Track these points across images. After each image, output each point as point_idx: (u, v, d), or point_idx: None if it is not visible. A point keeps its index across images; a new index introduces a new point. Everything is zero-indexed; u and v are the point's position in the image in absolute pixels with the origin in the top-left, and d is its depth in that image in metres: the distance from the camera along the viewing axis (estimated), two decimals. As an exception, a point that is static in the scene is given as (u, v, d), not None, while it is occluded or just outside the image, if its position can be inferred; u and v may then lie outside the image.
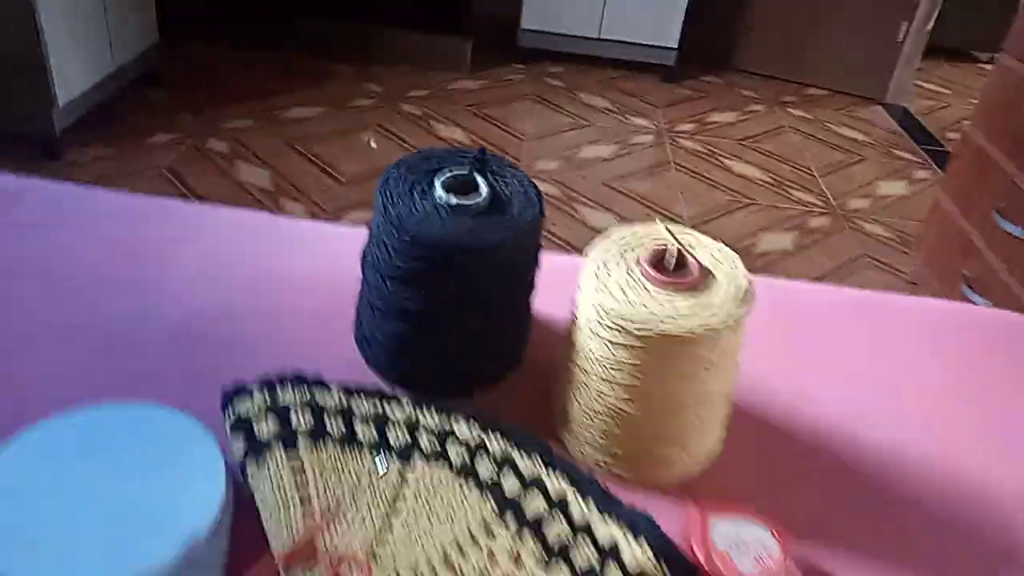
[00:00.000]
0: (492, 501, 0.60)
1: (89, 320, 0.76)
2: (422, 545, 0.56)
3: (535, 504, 0.60)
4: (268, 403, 0.63)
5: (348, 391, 0.66)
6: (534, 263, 0.71)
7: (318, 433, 0.62)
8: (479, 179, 0.67)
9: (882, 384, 0.81)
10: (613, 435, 0.64)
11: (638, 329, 0.57)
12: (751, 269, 0.64)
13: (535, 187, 0.69)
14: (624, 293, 0.59)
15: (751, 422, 0.74)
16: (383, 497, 0.59)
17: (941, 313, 0.94)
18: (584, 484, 0.61)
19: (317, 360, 0.70)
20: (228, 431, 0.62)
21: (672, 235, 0.63)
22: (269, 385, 0.65)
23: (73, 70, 2.36)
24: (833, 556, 0.62)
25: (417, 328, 0.67)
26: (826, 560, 0.62)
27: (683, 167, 2.90)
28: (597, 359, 0.61)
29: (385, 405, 0.66)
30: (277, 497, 0.57)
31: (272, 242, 0.91)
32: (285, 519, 0.56)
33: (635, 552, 0.56)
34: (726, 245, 0.66)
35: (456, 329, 0.68)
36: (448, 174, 0.67)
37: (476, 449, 0.63)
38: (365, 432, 0.63)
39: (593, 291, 0.60)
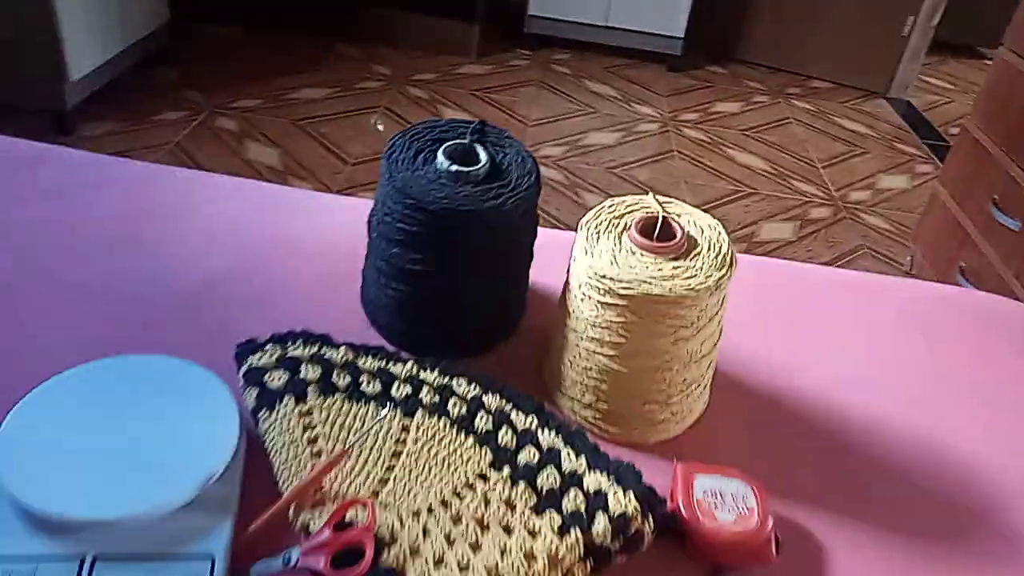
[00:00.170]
0: (488, 452, 0.64)
1: (107, 280, 0.80)
2: (422, 490, 0.60)
3: (528, 455, 0.64)
4: (279, 356, 0.67)
5: (355, 349, 0.71)
6: (531, 231, 0.75)
7: (326, 384, 0.66)
8: (479, 149, 0.71)
9: (868, 358, 0.85)
10: (602, 392, 0.68)
11: (624, 289, 0.61)
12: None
13: (532, 157, 0.72)
14: (613, 257, 0.63)
15: (738, 389, 0.77)
16: (387, 445, 0.63)
17: (928, 294, 0.98)
18: (574, 439, 0.65)
19: (324, 321, 0.74)
20: (242, 381, 0.66)
21: (659, 204, 0.67)
22: (280, 340, 0.69)
23: (85, 47, 2.39)
24: (812, 515, 0.66)
25: (420, 290, 0.71)
26: (806, 519, 0.65)
27: (686, 155, 2.93)
28: (587, 319, 0.65)
29: (389, 362, 0.70)
30: (287, 441, 0.61)
31: (280, 211, 0.94)
32: (294, 462, 0.60)
33: (620, 499, 0.59)
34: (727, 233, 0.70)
35: (456, 291, 0.72)
36: (450, 144, 0.71)
37: (474, 405, 0.67)
38: (370, 385, 0.67)
39: (584, 255, 0.64)
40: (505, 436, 0.65)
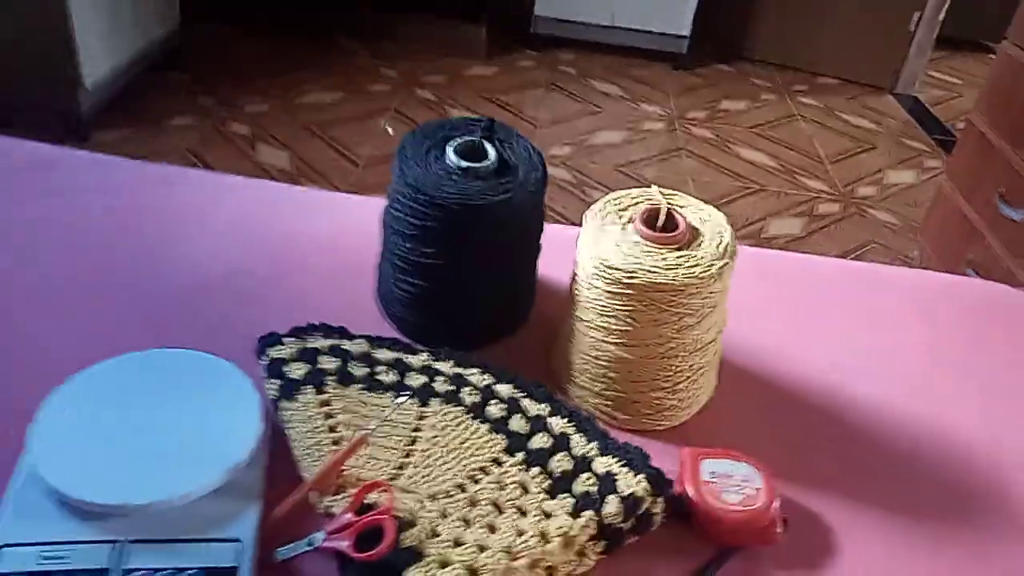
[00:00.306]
0: (502, 438, 0.66)
1: (131, 278, 0.82)
2: (439, 474, 0.63)
3: (540, 441, 0.66)
4: (299, 349, 0.70)
5: (371, 340, 0.73)
6: (539, 224, 0.77)
7: (344, 375, 0.68)
8: (487, 145, 0.74)
9: (870, 345, 0.86)
10: (610, 380, 0.70)
11: (629, 278, 0.64)
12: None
13: (539, 153, 0.75)
14: (619, 247, 0.66)
15: (743, 376, 0.79)
16: (403, 432, 0.65)
17: (927, 283, 1.00)
18: (584, 425, 0.68)
19: (340, 315, 0.76)
20: (263, 373, 0.69)
21: (663, 197, 0.69)
22: (299, 333, 0.72)
23: (99, 53, 2.43)
24: (817, 497, 0.68)
25: (432, 283, 0.74)
26: (811, 500, 0.67)
27: (693, 153, 2.95)
28: (594, 308, 0.67)
29: (404, 353, 0.73)
30: (308, 429, 0.64)
31: (294, 210, 0.97)
32: (315, 449, 0.63)
33: (630, 481, 0.62)
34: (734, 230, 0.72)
35: (468, 283, 0.74)
36: (459, 141, 0.74)
37: (487, 393, 0.70)
38: (387, 375, 0.70)
39: (591, 246, 0.67)
40: (518, 423, 0.67)
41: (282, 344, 0.71)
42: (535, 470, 0.64)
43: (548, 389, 0.71)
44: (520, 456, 0.65)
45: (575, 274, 0.71)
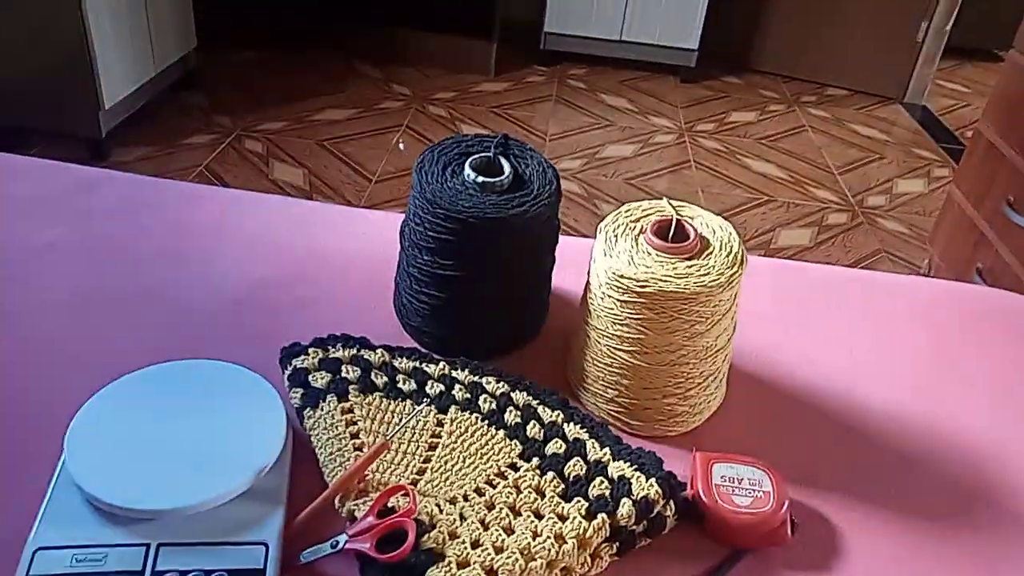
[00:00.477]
0: (517, 444, 0.68)
1: (157, 291, 0.85)
2: (458, 479, 0.65)
3: (555, 447, 0.68)
4: (321, 359, 0.72)
5: (390, 350, 0.75)
6: (553, 236, 0.80)
7: (365, 384, 0.71)
8: (503, 161, 0.76)
9: (877, 351, 0.88)
10: (623, 387, 0.72)
11: (641, 287, 0.66)
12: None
13: (553, 167, 0.77)
14: (631, 257, 0.68)
15: (752, 382, 0.81)
16: (423, 438, 0.68)
17: (933, 290, 1.01)
18: (598, 431, 0.70)
19: (360, 326, 0.79)
20: (286, 382, 0.71)
21: (673, 209, 0.72)
22: (322, 344, 0.74)
23: (118, 74, 2.48)
24: (826, 499, 0.69)
25: (450, 294, 0.76)
26: (820, 503, 0.69)
27: (703, 165, 2.97)
28: (607, 317, 0.70)
29: (423, 363, 0.75)
30: (331, 436, 0.66)
31: (313, 225, 0.99)
32: (338, 455, 0.65)
33: (642, 484, 0.63)
34: (744, 240, 0.74)
35: (484, 295, 0.76)
36: (476, 156, 0.76)
37: (503, 401, 0.72)
38: (406, 383, 0.72)
39: (604, 257, 0.69)
40: (533, 429, 0.69)
41: (305, 354, 0.73)
42: (550, 475, 0.66)
43: (562, 396, 0.73)
44: (535, 461, 0.67)
45: (588, 284, 0.73)
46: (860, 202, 2.83)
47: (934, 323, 0.93)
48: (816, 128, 3.38)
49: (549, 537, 0.59)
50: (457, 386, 0.73)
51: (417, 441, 0.67)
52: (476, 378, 0.74)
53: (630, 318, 0.68)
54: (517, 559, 0.57)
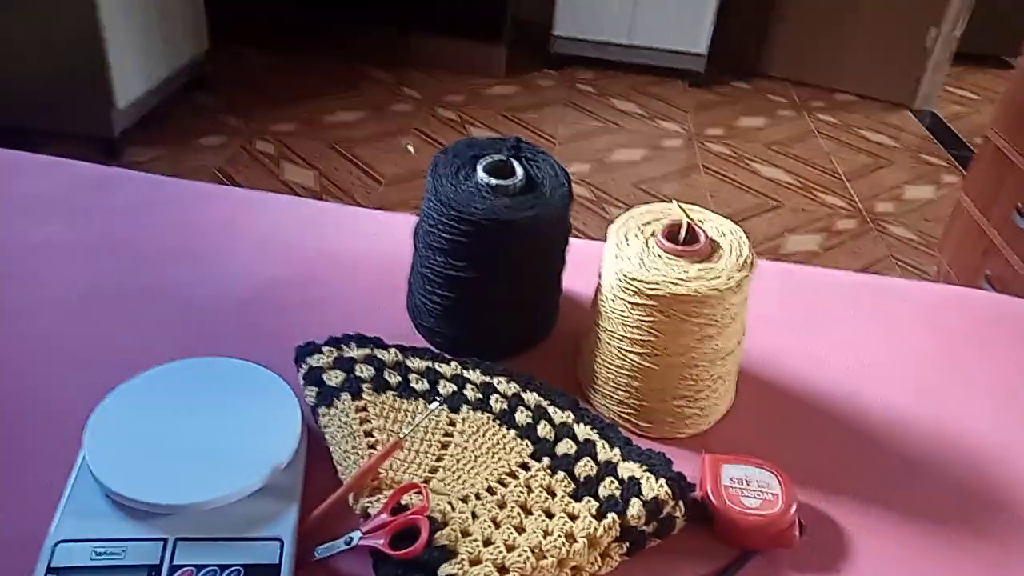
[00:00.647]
0: (528, 444, 0.69)
1: (171, 289, 0.86)
2: (470, 477, 0.66)
3: (566, 447, 0.69)
4: (335, 357, 0.73)
5: (403, 350, 0.76)
6: (564, 238, 0.81)
7: (379, 383, 0.72)
8: (515, 164, 0.77)
9: (884, 354, 0.89)
10: (633, 389, 0.73)
11: (652, 290, 0.67)
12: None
13: (564, 171, 0.78)
14: (641, 260, 0.69)
15: (761, 385, 0.82)
16: (436, 437, 0.68)
17: (938, 294, 1.02)
18: (608, 432, 0.70)
19: (373, 326, 0.80)
20: (301, 381, 0.72)
21: (684, 212, 0.72)
22: (336, 343, 0.75)
23: (131, 76, 2.51)
24: (834, 502, 0.70)
25: (462, 295, 0.77)
26: (828, 505, 0.69)
27: (711, 170, 2.98)
28: (618, 319, 0.70)
29: (435, 363, 0.76)
30: (345, 434, 0.67)
31: (322, 225, 1.01)
32: (352, 453, 0.66)
33: (652, 485, 0.64)
34: (752, 245, 0.75)
35: (496, 296, 0.77)
36: (488, 159, 0.77)
37: (514, 401, 0.72)
38: (419, 383, 0.73)
39: (614, 259, 0.70)
40: (544, 429, 0.70)
41: (320, 353, 0.74)
42: (561, 474, 0.66)
43: (572, 397, 0.74)
44: (546, 461, 0.67)
45: (599, 286, 0.74)
46: (869, 208, 2.83)
47: (942, 328, 0.94)
48: (825, 134, 3.38)
49: (560, 536, 0.60)
50: (469, 386, 0.74)
51: (430, 440, 0.68)
52: (488, 378, 0.74)
53: (641, 320, 0.69)
54: (528, 557, 0.58)
